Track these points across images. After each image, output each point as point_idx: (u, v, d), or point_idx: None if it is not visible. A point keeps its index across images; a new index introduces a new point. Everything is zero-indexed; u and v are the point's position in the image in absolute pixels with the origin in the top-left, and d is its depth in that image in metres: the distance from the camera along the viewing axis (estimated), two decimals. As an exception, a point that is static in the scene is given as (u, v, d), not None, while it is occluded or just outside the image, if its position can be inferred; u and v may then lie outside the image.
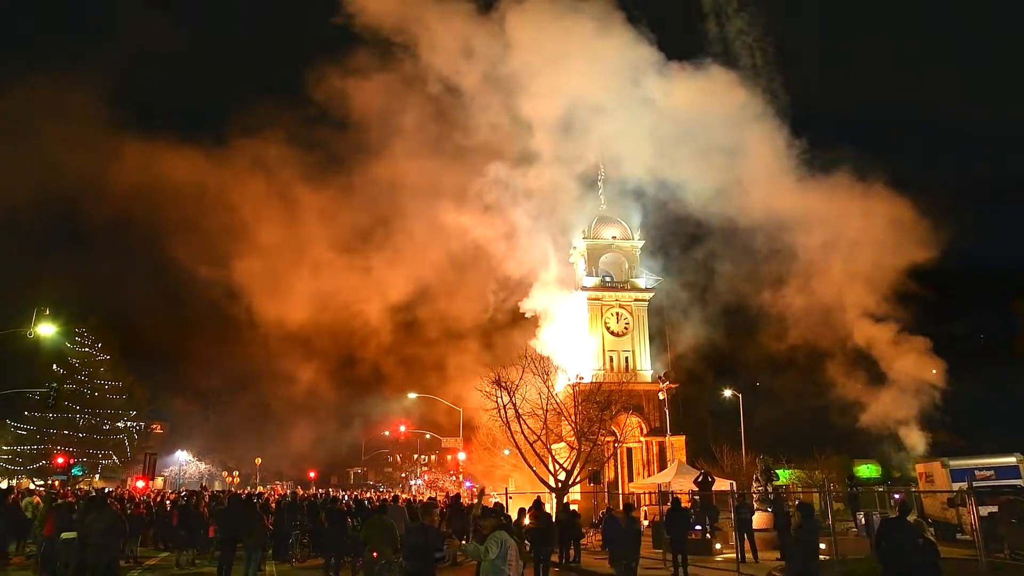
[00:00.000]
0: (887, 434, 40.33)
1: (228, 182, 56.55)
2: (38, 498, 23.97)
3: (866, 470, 45.78)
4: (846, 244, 45.02)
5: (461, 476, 56.12)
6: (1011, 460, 27.28)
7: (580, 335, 49.81)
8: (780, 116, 47.31)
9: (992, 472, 26.90)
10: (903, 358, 40.89)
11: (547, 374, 31.94)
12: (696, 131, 46.31)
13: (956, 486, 24.45)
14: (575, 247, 53.12)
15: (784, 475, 41.66)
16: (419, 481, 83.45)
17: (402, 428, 68.19)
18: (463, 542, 9.03)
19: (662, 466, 43.17)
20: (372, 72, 51.80)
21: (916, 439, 39.42)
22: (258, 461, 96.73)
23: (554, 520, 20.93)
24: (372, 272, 53.74)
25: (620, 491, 43.53)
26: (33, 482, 48.15)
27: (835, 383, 43.73)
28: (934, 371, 40.66)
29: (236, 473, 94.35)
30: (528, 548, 17.51)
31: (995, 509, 20.28)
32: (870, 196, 44.43)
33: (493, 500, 26.54)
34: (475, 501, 13.76)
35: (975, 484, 19.34)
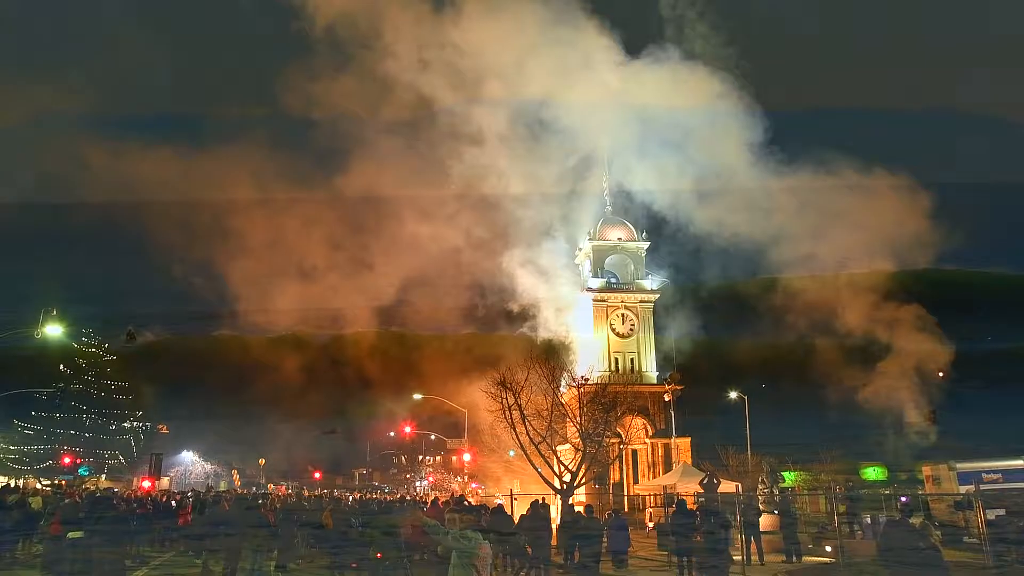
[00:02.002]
0: (889, 414, 39.90)
1: (225, 188, 56.68)
2: (40, 500, 24.03)
3: (872, 473, 45.55)
4: (846, 246, 45.03)
5: (466, 477, 56.08)
6: (1019, 463, 27.17)
7: (585, 336, 49.76)
8: (759, 119, 47.36)
9: (1000, 475, 26.78)
10: (902, 331, 40.71)
11: (552, 375, 31.88)
12: (686, 136, 46.51)
13: (963, 489, 24.31)
14: (580, 248, 53.07)
15: (790, 477, 41.47)
16: (425, 482, 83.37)
17: (407, 429, 68.15)
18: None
19: (667, 468, 43.07)
20: (354, 76, 51.92)
21: (917, 418, 39.09)
22: (262, 462, 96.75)
23: (557, 523, 20.85)
24: (368, 277, 53.84)
25: (625, 493, 43.49)
26: (40, 482, 48.33)
27: (839, 382, 43.59)
28: (940, 374, 40.45)
29: (236, 472, 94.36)
30: (529, 550, 17.47)
31: (1003, 512, 20.17)
32: (870, 198, 44.45)
33: (497, 502, 26.53)
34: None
35: (982, 487, 19.23)
